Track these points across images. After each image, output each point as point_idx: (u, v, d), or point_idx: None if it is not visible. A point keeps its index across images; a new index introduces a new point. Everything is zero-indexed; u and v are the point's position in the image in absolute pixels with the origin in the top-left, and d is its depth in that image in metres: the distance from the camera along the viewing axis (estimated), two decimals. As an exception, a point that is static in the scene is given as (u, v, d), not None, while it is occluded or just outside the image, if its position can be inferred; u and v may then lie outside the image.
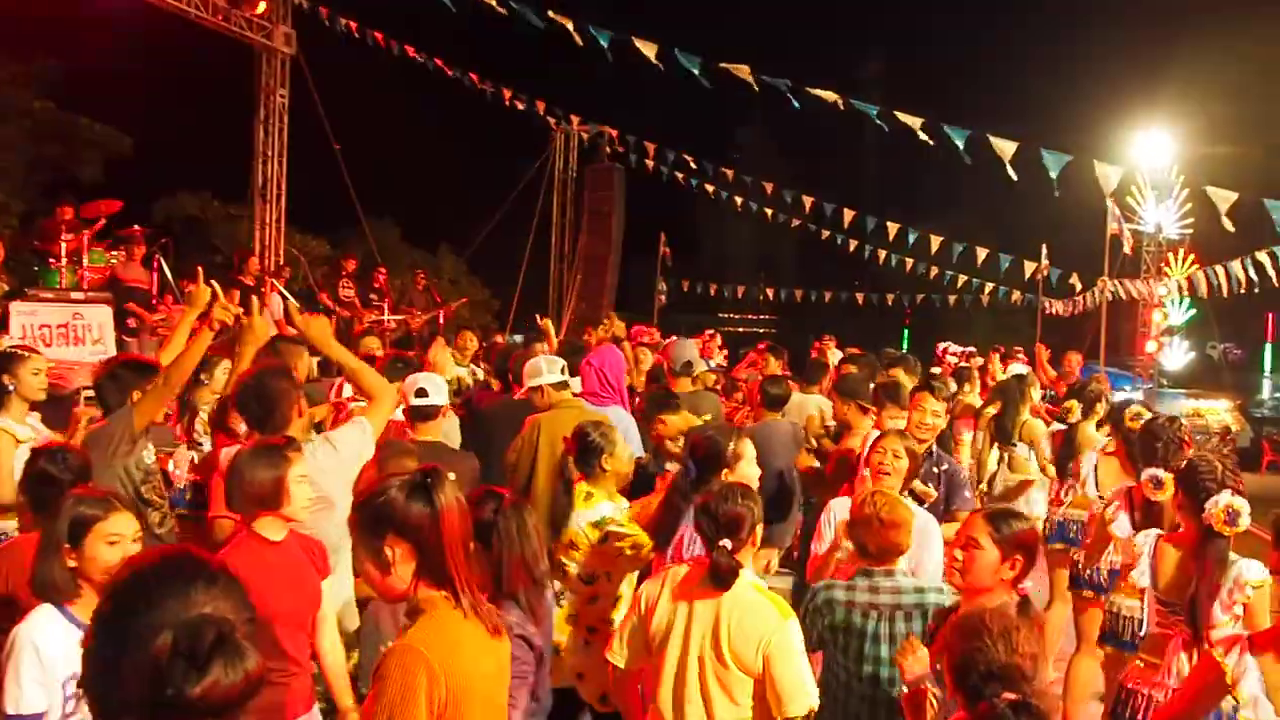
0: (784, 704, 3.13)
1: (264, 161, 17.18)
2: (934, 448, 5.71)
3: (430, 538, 2.26)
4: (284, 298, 13.51)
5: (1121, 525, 5.04)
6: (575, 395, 5.63)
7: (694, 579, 3.27)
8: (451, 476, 4.64)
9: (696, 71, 11.36)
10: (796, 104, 11.45)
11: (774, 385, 6.81)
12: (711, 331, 15.87)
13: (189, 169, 23.60)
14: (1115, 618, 5.10)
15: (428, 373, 5.35)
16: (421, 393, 4.84)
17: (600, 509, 4.24)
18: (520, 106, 18.23)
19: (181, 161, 23.73)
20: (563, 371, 5.44)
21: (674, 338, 9.49)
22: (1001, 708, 2.23)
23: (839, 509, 4.56)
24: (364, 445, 3.94)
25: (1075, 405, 7.22)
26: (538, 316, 8.16)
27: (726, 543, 3.19)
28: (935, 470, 5.59)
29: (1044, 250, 20.58)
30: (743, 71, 11.23)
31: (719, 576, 3.17)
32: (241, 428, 4.41)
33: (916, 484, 5.41)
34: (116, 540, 2.90)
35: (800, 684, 3.14)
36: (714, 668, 3.18)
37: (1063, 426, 7.60)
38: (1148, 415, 6.62)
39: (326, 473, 3.70)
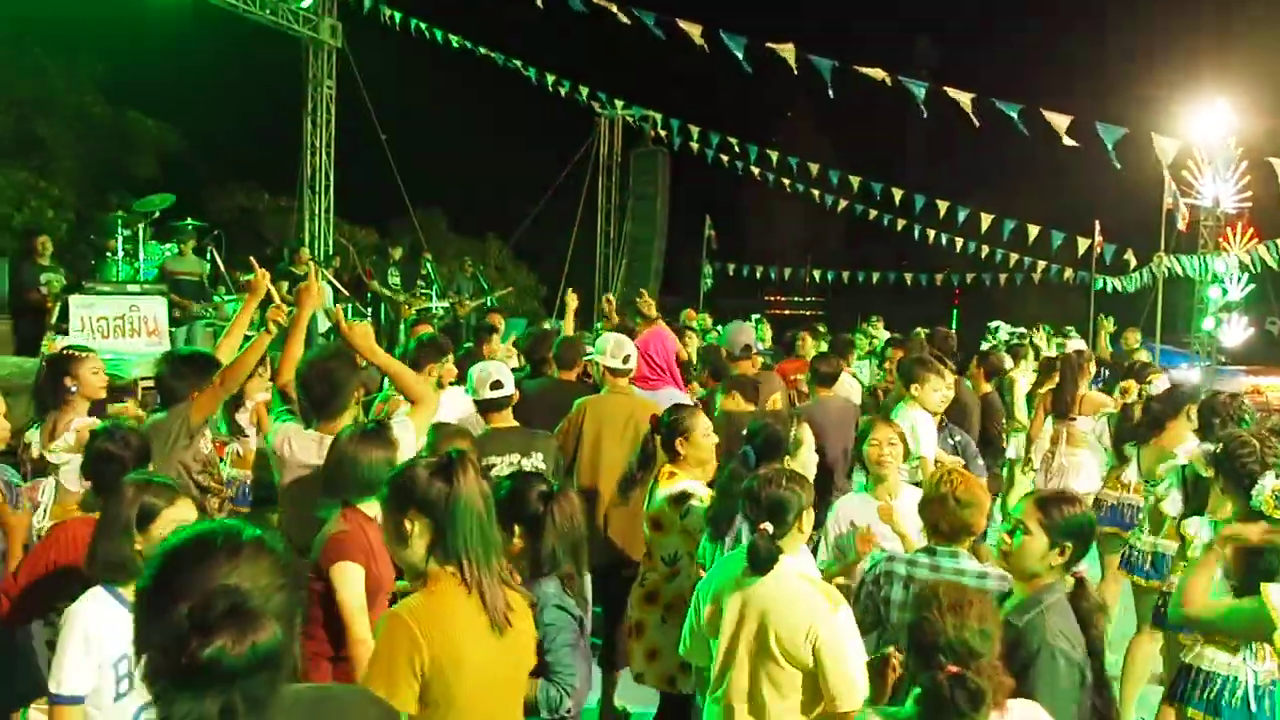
0: (838, 699, 3.05)
1: (312, 153, 17.36)
2: (945, 420, 5.93)
3: (446, 516, 2.41)
4: (334, 288, 13.65)
5: (1174, 503, 4.94)
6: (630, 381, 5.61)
7: (740, 568, 3.22)
8: (523, 462, 4.70)
9: (741, 54, 11.25)
10: (831, 94, 11.29)
11: (824, 363, 6.77)
12: (757, 317, 15.82)
13: (239, 162, 23.97)
14: (1167, 599, 5.02)
15: (498, 363, 5.35)
16: (497, 385, 4.85)
17: (680, 485, 4.22)
18: (563, 92, 18.20)
19: (232, 155, 24.09)
20: (625, 361, 5.42)
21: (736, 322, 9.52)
22: (940, 679, 2.24)
23: (846, 510, 4.53)
24: (412, 444, 3.97)
25: (1132, 385, 7.09)
26: (569, 293, 8.28)
27: (768, 526, 3.16)
28: (950, 441, 5.83)
29: (1097, 226, 20.19)
30: (787, 52, 11.10)
31: (757, 561, 3.13)
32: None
33: (943, 454, 5.51)
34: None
35: (853, 677, 3.05)
36: (761, 660, 3.12)
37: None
38: (1150, 388, 6.54)
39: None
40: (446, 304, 14.56)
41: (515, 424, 4.94)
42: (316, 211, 17.47)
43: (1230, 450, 3.67)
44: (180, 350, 5.06)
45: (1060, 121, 10.24)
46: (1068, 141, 10.32)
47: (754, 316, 15.91)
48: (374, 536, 3.34)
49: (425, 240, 18.65)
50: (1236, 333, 28.97)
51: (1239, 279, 26.37)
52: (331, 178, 17.60)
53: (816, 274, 27.78)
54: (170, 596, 1.46)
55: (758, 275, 26.84)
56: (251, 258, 4.80)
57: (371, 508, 3.38)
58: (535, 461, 4.80)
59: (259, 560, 1.55)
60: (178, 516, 2.98)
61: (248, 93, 23.01)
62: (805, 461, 4.08)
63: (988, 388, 7.89)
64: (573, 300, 8.06)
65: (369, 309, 14.08)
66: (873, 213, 21.27)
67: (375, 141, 17.74)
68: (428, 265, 15.19)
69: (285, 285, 12.22)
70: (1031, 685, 2.77)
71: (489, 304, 15.25)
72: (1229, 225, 24.31)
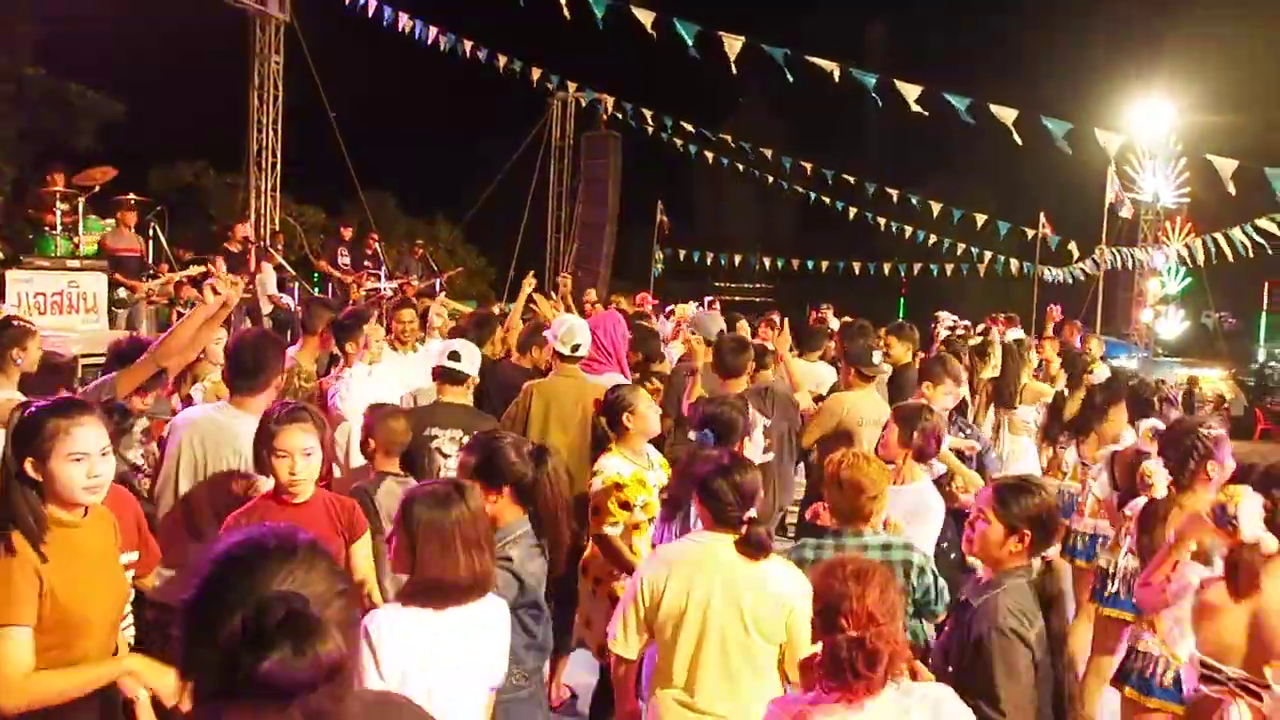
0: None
1: (258, 129, 17.08)
2: (953, 414, 6.09)
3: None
4: (281, 269, 13.45)
5: (1102, 486, 5.07)
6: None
7: (704, 555, 3.22)
8: (465, 440, 4.71)
9: (691, 42, 11.22)
10: (791, 78, 11.32)
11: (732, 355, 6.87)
12: (711, 298, 15.87)
13: (184, 137, 23.53)
14: (1103, 575, 5.21)
15: (467, 341, 5.35)
16: (454, 355, 4.91)
17: (606, 463, 4.35)
18: (516, 71, 18.00)
19: (177, 129, 23.62)
20: (574, 350, 5.41)
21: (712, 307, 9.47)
22: (839, 640, 2.31)
23: None
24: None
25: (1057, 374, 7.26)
26: (529, 275, 8.11)
27: (753, 512, 3.20)
28: (963, 434, 6.05)
29: (1042, 217, 20.53)
30: (734, 45, 11.08)
31: (759, 546, 3.17)
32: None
33: (960, 442, 5.71)
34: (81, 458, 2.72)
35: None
36: (738, 641, 3.15)
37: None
38: (1091, 377, 6.72)
39: None
40: (394, 285, 14.42)
41: (467, 403, 4.99)
42: (263, 189, 17.21)
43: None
44: (142, 338, 5.09)
45: (1007, 115, 10.39)
46: (1017, 137, 10.47)
47: (707, 299, 15.96)
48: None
49: (374, 220, 18.45)
50: (1173, 325, 29.71)
51: (1177, 273, 27.03)
52: (279, 155, 17.33)
53: (766, 261, 27.91)
54: (221, 607, 1.34)
55: (708, 261, 26.95)
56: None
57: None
58: None
59: (315, 564, 1.43)
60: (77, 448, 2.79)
61: (194, 66, 22.55)
62: (757, 442, 4.18)
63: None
64: (529, 283, 7.96)
65: (316, 289, 13.92)
66: (825, 200, 21.38)
67: (324, 119, 17.51)
68: (376, 246, 15.05)
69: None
70: (986, 665, 2.86)
71: (437, 286, 15.15)
72: (1168, 220, 24.88)
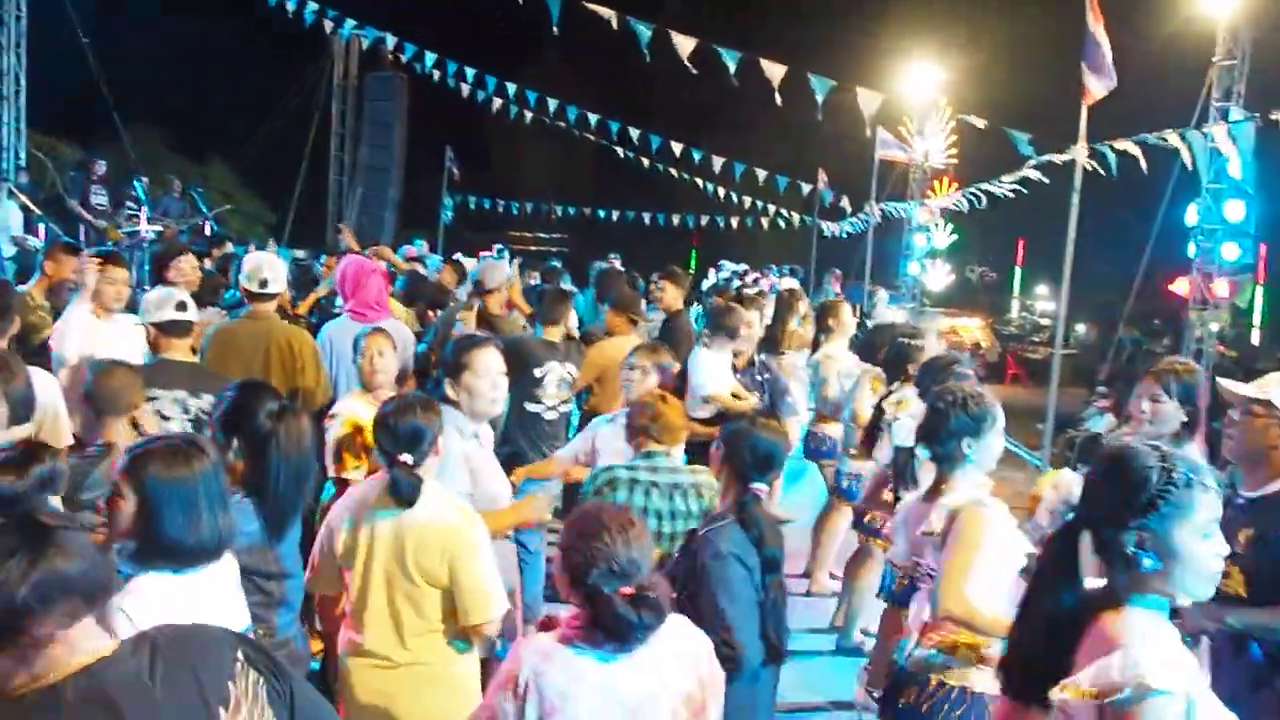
0: (470, 613, 3.17)
1: (-1, 53, 15.55)
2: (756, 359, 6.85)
3: None
4: (27, 209, 12.40)
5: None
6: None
7: (375, 495, 3.25)
8: (189, 402, 4.45)
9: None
10: (556, 30, 11.16)
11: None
12: (499, 247, 15.75)
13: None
14: (842, 476, 6.13)
15: (181, 289, 4.97)
16: (182, 305, 4.45)
17: (342, 406, 4.53)
18: (290, 9, 16.94)
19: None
20: (262, 285, 5.13)
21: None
22: (623, 600, 2.29)
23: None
24: None
25: None
26: (339, 226, 7.76)
27: (408, 457, 3.19)
28: (759, 379, 6.74)
29: (820, 173, 21.42)
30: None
31: (401, 494, 3.16)
32: None
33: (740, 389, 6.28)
34: None
35: (486, 591, 3.18)
36: (401, 584, 3.17)
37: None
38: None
39: None
40: (158, 229, 13.52)
41: (192, 359, 4.60)
42: (5, 119, 15.72)
43: None
44: None
45: (775, 73, 10.61)
46: (779, 98, 10.73)
47: (497, 248, 15.84)
48: None
49: (137, 158, 17.17)
50: (940, 277, 31.75)
51: (944, 227, 28.82)
52: (23, 82, 15.84)
53: (559, 210, 27.86)
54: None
55: (500, 209, 26.61)
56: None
57: None
58: (202, 403, 4.39)
59: None
60: None
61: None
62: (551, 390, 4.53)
63: None
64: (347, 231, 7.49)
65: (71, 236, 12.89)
66: (617, 150, 21.39)
67: (78, 45, 16.07)
68: (137, 185, 14.03)
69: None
70: (709, 590, 3.07)
71: (214, 227, 14.34)
72: (935, 179, 26.39)
